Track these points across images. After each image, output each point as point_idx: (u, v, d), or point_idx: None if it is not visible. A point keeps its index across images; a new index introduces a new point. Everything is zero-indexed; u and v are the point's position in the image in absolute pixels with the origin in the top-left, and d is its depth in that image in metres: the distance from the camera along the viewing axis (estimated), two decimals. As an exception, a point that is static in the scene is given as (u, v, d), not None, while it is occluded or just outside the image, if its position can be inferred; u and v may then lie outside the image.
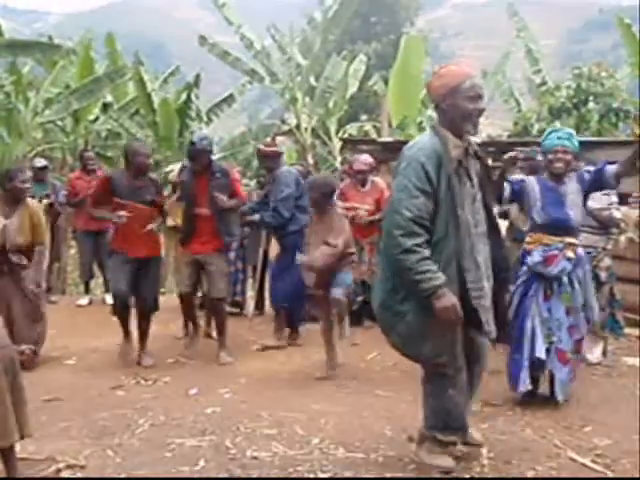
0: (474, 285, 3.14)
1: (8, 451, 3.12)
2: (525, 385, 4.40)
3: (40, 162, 8.20)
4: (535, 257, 4.42)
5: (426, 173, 3.03)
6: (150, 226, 5.51)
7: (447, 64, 3.33)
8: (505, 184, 4.47)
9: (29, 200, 5.47)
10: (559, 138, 4.48)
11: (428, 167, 3.04)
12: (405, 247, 3.00)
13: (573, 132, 4.65)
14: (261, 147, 6.34)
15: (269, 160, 6.18)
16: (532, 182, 4.54)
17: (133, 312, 5.66)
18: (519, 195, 4.53)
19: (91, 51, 13.52)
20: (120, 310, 5.56)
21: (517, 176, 4.87)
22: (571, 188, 4.45)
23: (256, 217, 6.11)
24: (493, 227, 3.33)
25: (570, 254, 4.42)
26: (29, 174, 5.50)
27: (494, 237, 3.32)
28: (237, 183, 5.96)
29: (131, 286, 5.50)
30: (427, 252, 3.01)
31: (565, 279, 4.42)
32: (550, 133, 4.59)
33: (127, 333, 5.69)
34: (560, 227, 4.44)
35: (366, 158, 7.04)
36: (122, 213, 5.38)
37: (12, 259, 5.25)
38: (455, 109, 3.12)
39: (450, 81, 3.13)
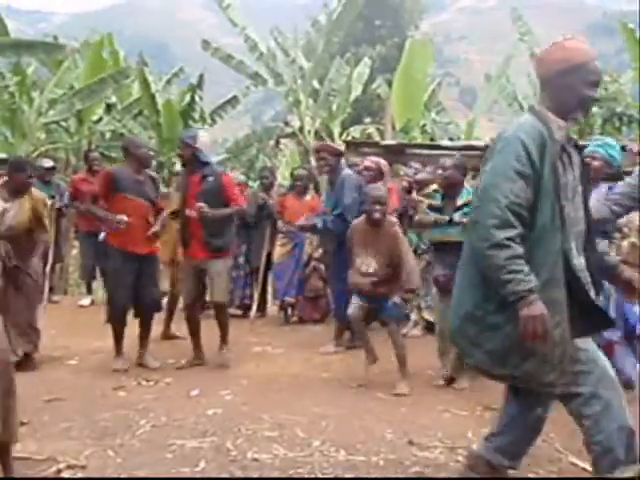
0: (588, 287, 2.72)
1: (4, 451, 3.12)
2: None
3: (48, 162, 8.19)
4: None
5: (528, 153, 2.57)
6: (155, 228, 5.41)
7: (571, 37, 2.80)
8: None
9: (33, 190, 5.38)
10: (592, 145, 4.63)
11: (530, 147, 2.58)
12: (496, 240, 2.53)
13: (611, 141, 4.73)
14: (323, 143, 6.15)
15: (333, 158, 6.03)
16: None
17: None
18: None
19: (102, 51, 13.52)
20: (119, 320, 5.45)
21: None
22: (597, 197, 4.54)
23: (318, 222, 5.98)
24: (589, 227, 2.84)
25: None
26: (30, 171, 5.36)
27: (589, 238, 2.84)
28: (231, 188, 5.63)
29: (131, 290, 5.41)
30: (520, 249, 2.54)
31: None
32: (600, 140, 4.78)
33: (120, 348, 5.49)
34: None
35: (378, 159, 6.84)
36: (120, 217, 5.25)
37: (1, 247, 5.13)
38: (570, 91, 2.68)
39: (575, 57, 2.68)
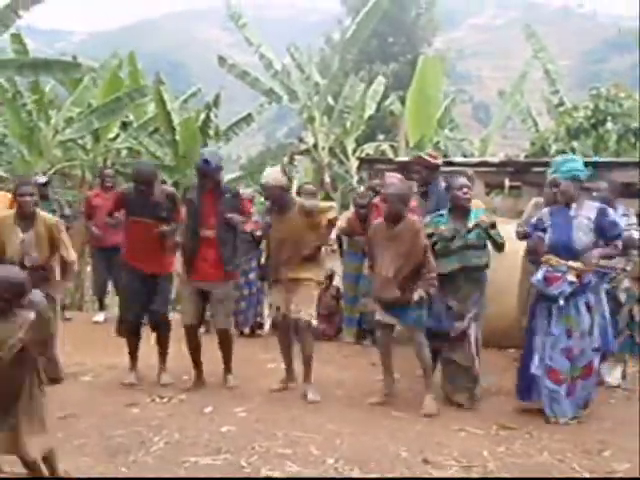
0: None
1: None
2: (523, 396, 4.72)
3: (42, 178, 8.14)
4: (538, 275, 4.60)
5: None
6: (162, 229, 5.32)
7: None
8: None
9: (43, 215, 5.37)
10: (569, 171, 4.69)
11: None
12: None
13: (578, 159, 4.92)
14: (425, 156, 5.94)
15: (428, 171, 5.85)
16: (546, 212, 4.76)
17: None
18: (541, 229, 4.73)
19: (120, 71, 13.68)
20: (128, 334, 5.51)
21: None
22: (584, 214, 4.61)
23: None
24: None
25: (571, 278, 4.50)
26: (31, 189, 5.26)
27: None
28: (248, 204, 5.64)
29: (142, 307, 5.46)
30: None
31: (563, 301, 4.50)
32: (565, 163, 4.81)
33: (133, 361, 5.55)
34: (564, 249, 4.56)
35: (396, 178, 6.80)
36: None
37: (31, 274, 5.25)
38: None
39: None
